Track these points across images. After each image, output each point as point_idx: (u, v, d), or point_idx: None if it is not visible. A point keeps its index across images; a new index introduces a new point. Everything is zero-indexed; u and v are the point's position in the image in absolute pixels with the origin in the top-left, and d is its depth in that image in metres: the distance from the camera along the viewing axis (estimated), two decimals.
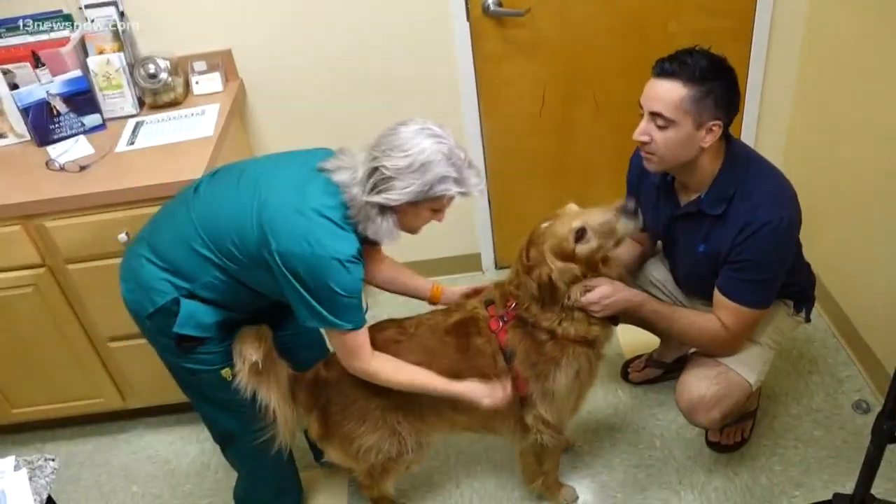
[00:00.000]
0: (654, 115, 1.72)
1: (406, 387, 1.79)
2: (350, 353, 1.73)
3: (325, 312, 1.62)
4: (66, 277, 2.20)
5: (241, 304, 1.77)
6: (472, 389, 1.80)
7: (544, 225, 1.78)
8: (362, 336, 1.71)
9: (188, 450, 2.54)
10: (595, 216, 1.74)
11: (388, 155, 1.57)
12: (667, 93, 1.69)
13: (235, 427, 1.92)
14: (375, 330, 1.85)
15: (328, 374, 1.87)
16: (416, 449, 1.92)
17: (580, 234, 1.73)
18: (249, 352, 1.70)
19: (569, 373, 1.83)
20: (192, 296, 1.71)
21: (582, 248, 1.74)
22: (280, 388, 1.79)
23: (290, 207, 1.60)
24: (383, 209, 1.60)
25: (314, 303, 1.61)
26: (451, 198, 1.64)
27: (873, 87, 2.20)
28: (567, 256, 1.75)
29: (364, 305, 1.78)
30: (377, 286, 2.04)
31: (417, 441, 1.91)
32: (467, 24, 2.48)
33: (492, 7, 2.43)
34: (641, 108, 1.76)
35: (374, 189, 1.58)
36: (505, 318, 1.84)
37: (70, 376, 2.42)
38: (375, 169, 1.57)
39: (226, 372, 1.78)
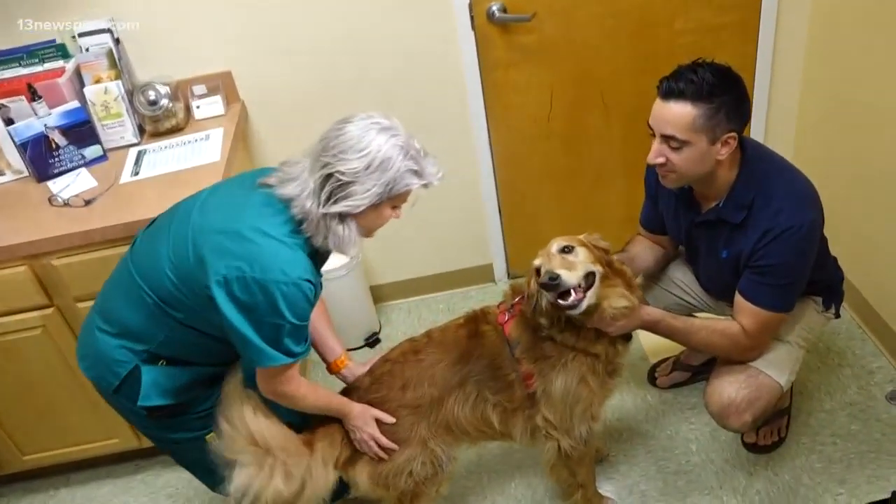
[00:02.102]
0: (667, 137, 1.67)
1: (315, 406, 1.71)
2: (286, 380, 1.58)
3: (269, 349, 1.47)
4: (76, 316, 2.11)
5: (206, 354, 1.65)
6: (361, 416, 1.74)
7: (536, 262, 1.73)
8: (298, 363, 1.59)
9: None
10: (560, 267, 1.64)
11: (342, 159, 1.43)
12: (677, 114, 1.64)
13: None
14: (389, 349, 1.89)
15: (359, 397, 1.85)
16: (446, 464, 1.86)
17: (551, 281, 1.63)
18: (239, 417, 1.54)
19: (567, 378, 1.79)
20: (153, 358, 1.59)
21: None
22: (288, 451, 1.64)
23: (229, 231, 1.46)
24: (343, 217, 1.48)
25: (258, 337, 1.46)
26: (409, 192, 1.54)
27: (882, 74, 2.18)
28: None
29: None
30: None
31: (447, 455, 1.86)
32: (472, 32, 2.43)
33: (497, 14, 2.38)
34: (651, 129, 1.71)
35: (331, 198, 1.45)
36: (511, 311, 1.84)
37: (83, 418, 2.32)
38: (329, 176, 1.44)
39: (210, 437, 1.66)
